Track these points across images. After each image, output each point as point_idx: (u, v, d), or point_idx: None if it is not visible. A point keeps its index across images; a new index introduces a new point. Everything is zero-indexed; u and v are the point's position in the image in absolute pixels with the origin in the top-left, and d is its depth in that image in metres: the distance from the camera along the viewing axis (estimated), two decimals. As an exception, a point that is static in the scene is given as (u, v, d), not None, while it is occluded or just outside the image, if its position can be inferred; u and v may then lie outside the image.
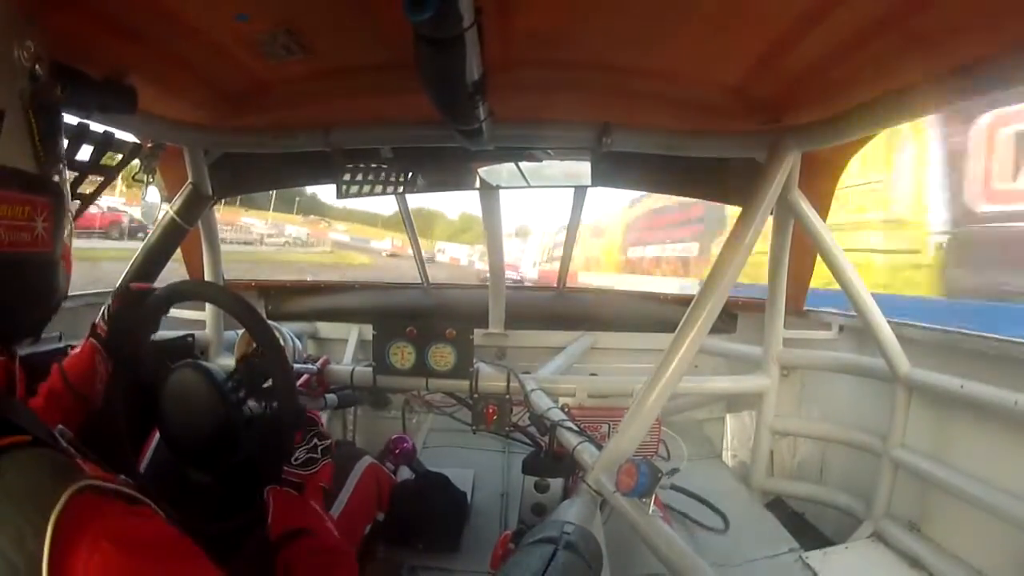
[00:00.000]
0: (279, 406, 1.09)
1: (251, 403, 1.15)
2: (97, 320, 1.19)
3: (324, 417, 2.10)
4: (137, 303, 1.17)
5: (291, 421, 1.09)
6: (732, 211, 2.83)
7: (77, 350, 1.14)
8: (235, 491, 1.08)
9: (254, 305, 1.16)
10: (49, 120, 0.63)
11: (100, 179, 1.17)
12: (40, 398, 1.05)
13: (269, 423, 1.12)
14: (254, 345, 1.15)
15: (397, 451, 1.84)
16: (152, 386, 1.11)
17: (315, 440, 1.15)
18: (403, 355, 1.81)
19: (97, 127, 1.11)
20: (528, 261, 14.90)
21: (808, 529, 1.96)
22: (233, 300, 1.10)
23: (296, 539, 0.96)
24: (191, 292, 1.34)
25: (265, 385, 1.16)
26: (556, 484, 1.52)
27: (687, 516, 1.63)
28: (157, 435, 1.23)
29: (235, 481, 1.10)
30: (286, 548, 0.95)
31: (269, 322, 1.21)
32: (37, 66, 0.62)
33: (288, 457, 1.09)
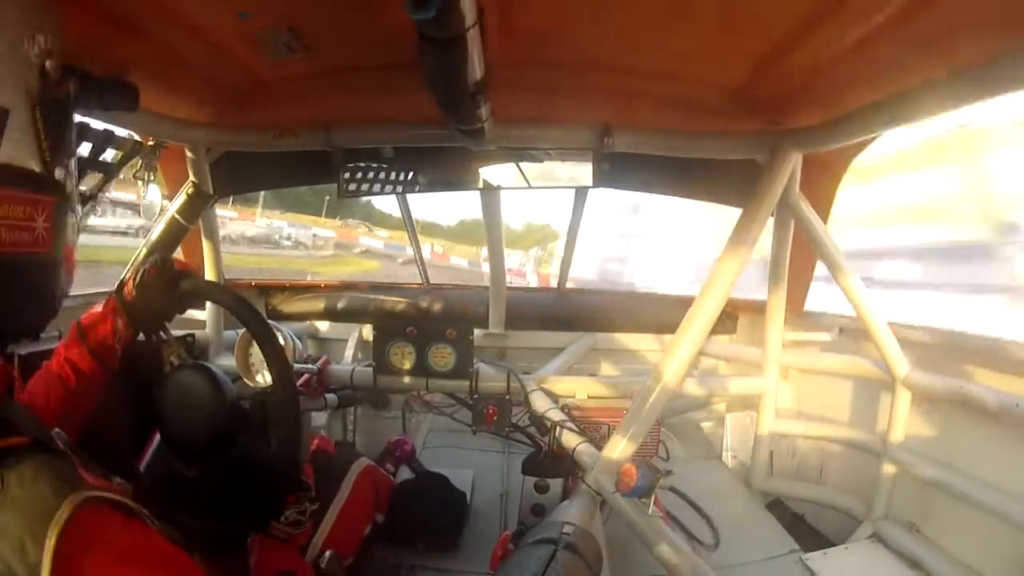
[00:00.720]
0: (281, 463, 1.09)
1: (243, 402, 1.16)
2: (127, 279, 1.07)
3: (324, 417, 2.10)
4: (173, 280, 1.07)
5: (288, 480, 1.11)
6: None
7: (97, 308, 1.05)
8: (234, 491, 1.08)
9: (255, 305, 1.15)
10: (58, 118, 0.63)
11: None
12: (55, 360, 0.97)
13: (267, 464, 1.12)
14: (266, 377, 1.14)
15: (397, 453, 1.84)
16: (152, 386, 1.11)
17: (307, 504, 1.16)
18: (403, 355, 1.81)
19: (98, 124, 1.11)
20: (530, 268, 14.98)
21: (808, 530, 1.96)
22: (253, 315, 1.08)
23: None
24: (216, 297, 1.26)
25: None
26: (556, 484, 1.52)
27: (681, 524, 1.62)
28: (158, 436, 1.22)
29: (234, 481, 1.10)
30: None
31: (271, 322, 1.21)
32: (48, 63, 0.62)
33: (278, 515, 1.10)
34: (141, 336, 1.08)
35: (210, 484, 1.11)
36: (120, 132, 1.35)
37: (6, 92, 0.58)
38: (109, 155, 1.33)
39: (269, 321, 1.20)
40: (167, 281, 1.06)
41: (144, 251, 1.85)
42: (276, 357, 1.06)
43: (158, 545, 0.55)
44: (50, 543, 0.45)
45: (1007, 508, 1.32)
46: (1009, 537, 1.33)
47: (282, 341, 1.45)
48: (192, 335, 2.03)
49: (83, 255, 0.82)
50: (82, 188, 1.25)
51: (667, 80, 1.29)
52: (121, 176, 1.47)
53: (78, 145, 1.02)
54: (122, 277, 1.09)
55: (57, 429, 0.60)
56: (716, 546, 1.54)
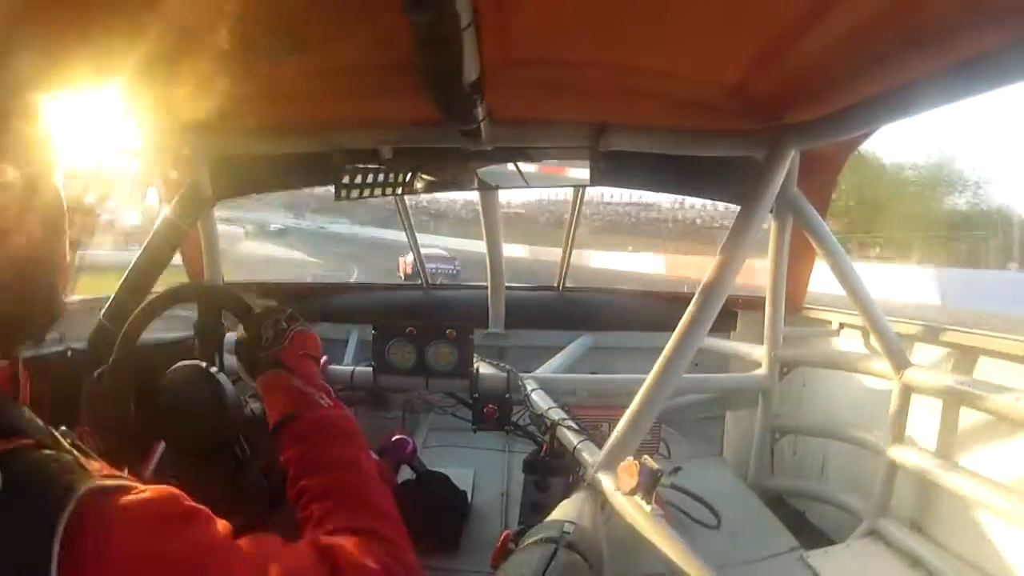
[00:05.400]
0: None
1: (253, 406, 1.15)
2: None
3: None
4: (235, 305, 1.21)
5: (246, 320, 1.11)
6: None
7: None
8: (242, 492, 1.08)
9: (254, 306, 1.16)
10: (46, 120, 0.63)
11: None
12: None
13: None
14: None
15: (398, 453, 1.84)
16: (153, 387, 1.11)
17: (273, 317, 1.07)
18: (403, 355, 1.81)
19: (97, 127, 1.11)
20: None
21: (809, 527, 1.96)
22: (178, 289, 1.11)
23: (284, 428, 0.89)
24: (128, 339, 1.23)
25: None
26: (557, 483, 1.52)
27: (681, 511, 1.62)
28: (162, 445, 1.22)
29: (238, 483, 1.10)
30: (278, 441, 0.89)
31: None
32: (36, 66, 0.62)
33: (257, 344, 1.03)
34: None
35: (218, 484, 1.11)
36: (119, 136, 1.35)
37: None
38: (108, 160, 1.33)
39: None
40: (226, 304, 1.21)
41: (138, 257, 1.84)
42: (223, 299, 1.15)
43: (171, 503, 0.54)
44: (57, 537, 0.45)
45: (1009, 506, 1.32)
46: (1011, 535, 1.33)
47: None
48: (192, 337, 2.04)
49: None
50: (86, 199, 1.26)
51: (663, 78, 1.29)
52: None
53: (76, 150, 1.02)
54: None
55: (64, 428, 0.60)
56: (718, 524, 1.54)
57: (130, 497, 0.52)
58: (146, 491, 0.53)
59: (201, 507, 0.57)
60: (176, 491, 0.56)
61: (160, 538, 0.51)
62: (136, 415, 1.12)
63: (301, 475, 0.83)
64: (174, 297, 1.29)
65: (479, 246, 2.55)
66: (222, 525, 0.58)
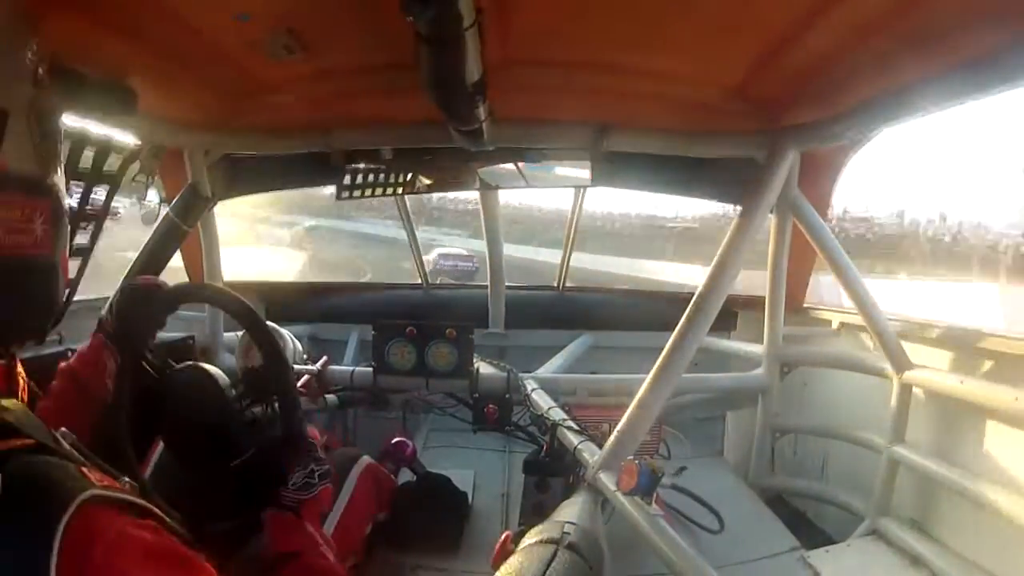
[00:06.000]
0: (282, 428, 1.08)
1: (255, 408, 1.15)
2: (103, 315, 1.16)
3: (324, 418, 2.10)
4: (143, 299, 1.14)
5: (291, 444, 1.09)
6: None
7: (85, 346, 1.13)
8: (237, 493, 1.08)
9: (255, 307, 1.15)
10: (49, 122, 0.63)
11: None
12: (49, 399, 1.04)
13: (269, 443, 1.11)
14: (259, 358, 1.14)
15: (399, 455, 1.84)
16: (155, 387, 1.11)
17: (312, 465, 1.11)
18: (403, 355, 1.81)
19: (97, 130, 1.12)
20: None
21: (809, 527, 1.96)
22: (241, 307, 1.09)
23: (288, 562, 0.98)
24: (198, 295, 1.30)
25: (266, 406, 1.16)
26: (557, 484, 1.52)
27: (684, 515, 1.63)
28: (161, 443, 1.22)
29: (237, 483, 1.10)
30: (279, 571, 0.97)
31: (270, 324, 1.21)
32: (40, 69, 0.62)
33: (285, 481, 1.07)
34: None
35: (216, 487, 1.11)
36: (119, 136, 1.35)
37: (3, 95, 0.58)
38: (110, 163, 1.33)
39: (269, 323, 1.21)
40: (138, 301, 1.13)
41: (139, 256, 1.85)
42: (259, 331, 1.09)
43: (170, 545, 0.54)
44: (56, 542, 0.45)
45: (1009, 504, 1.32)
46: (1011, 533, 1.33)
47: (281, 343, 1.46)
48: (192, 337, 2.04)
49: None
50: (89, 205, 1.28)
51: (665, 79, 1.29)
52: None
53: (79, 153, 1.03)
54: (101, 313, 1.16)
55: (64, 430, 0.60)
56: (721, 529, 1.54)
57: (129, 521, 0.52)
58: (144, 522, 0.54)
59: (194, 556, 0.57)
60: (168, 534, 0.57)
61: (145, 573, 0.51)
62: (139, 413, 1.12)
63: None
64: (257, 336, 1.14)
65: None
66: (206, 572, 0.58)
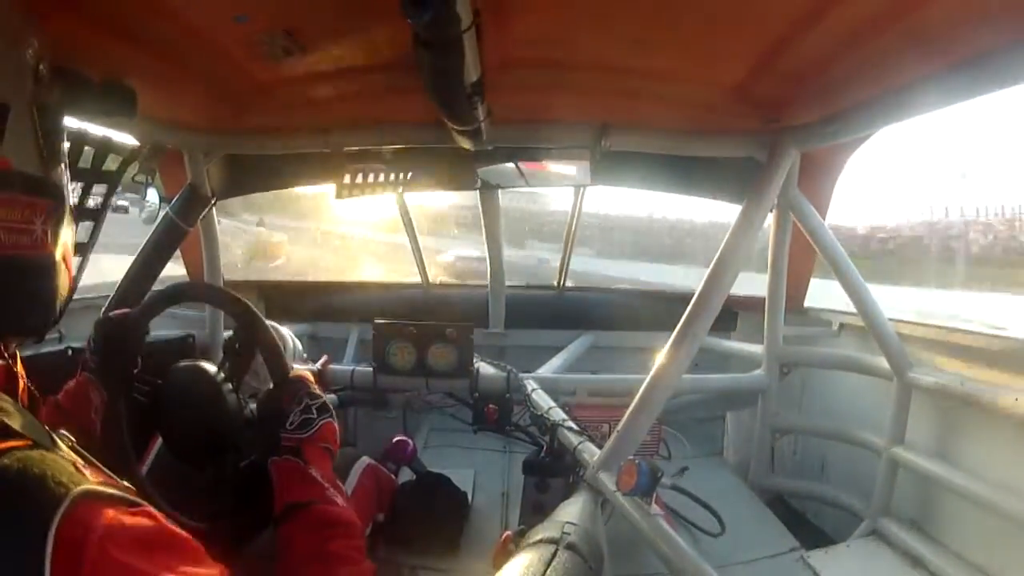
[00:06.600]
0: (270, 374, 1.08)
1: (252, 407, 1.15)
2: (85, 352, 1.16)
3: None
4: (118, 333, 1.13)
5: (284, 387, 1.08)
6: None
7: (71, 383, 1.12)
8: (238, 492, 1.08)
9: (254, 306, 1.15)
10: (51, 121, 0.63)
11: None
12: None
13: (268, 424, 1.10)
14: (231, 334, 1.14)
15: (399, 455, 1.84)
16: (152, 387, 1.11)
17: (306, 400, 1.06)
18: (403, 355, 1.81)
19: (96, 131, 1.11)
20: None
21: (809, 527, 1.96)
22: (209, 290, 1.09)
23: (296, 513, 0.91)
24: (161, 301, 1.25)
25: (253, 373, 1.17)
26: (557, 484, 1.52)
27: (683, 518, 1.63)
28: (159, 440, 1.22)
29: (238, 482, 1.10)
30: (285, 523, 0.91)
31: (269, 322, 1.21)
32: (41, 66, 0.62)
33: (282, 423, 1.02)
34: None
35: (215, 486, 1.11)
36: (119, 137, 1.35)
37: (4, 91, 0.58)
38: (109, 163, 1.33)
39: (268, 322, 1.20)
40: (112, 336, 1.13)
41: (139, 256, 1.84)
42: (217, 299, 1.14)
43: (164, 528, 0.54)
44: (50, 537, 0.45)
45: (1009, 505, 1.32)
46: (1011, 534, 1.33)
47: (282, 343, 1.46)
48: (192, 336, 2.04)
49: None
50: (89, 204, 1.27)
51: (664, 79, 1.29)
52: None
53: (78, 152, 1.02)
54: (84, 351, 1.16)
55: (62, 431, 0.60)
56: (722, 531, 1.54)
57: (123, 512, 0.51)
58: (138, 512, 0.53)
59: (186, 536, 0.55)
60: (163, 520, 0.55)
61: (141, 561, 0.50)
62: (135, 417, 1.12)
63: (303, 563, 0.87)
64: (221, 303, 1.21)
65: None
66: (201, 555, 0.57)
